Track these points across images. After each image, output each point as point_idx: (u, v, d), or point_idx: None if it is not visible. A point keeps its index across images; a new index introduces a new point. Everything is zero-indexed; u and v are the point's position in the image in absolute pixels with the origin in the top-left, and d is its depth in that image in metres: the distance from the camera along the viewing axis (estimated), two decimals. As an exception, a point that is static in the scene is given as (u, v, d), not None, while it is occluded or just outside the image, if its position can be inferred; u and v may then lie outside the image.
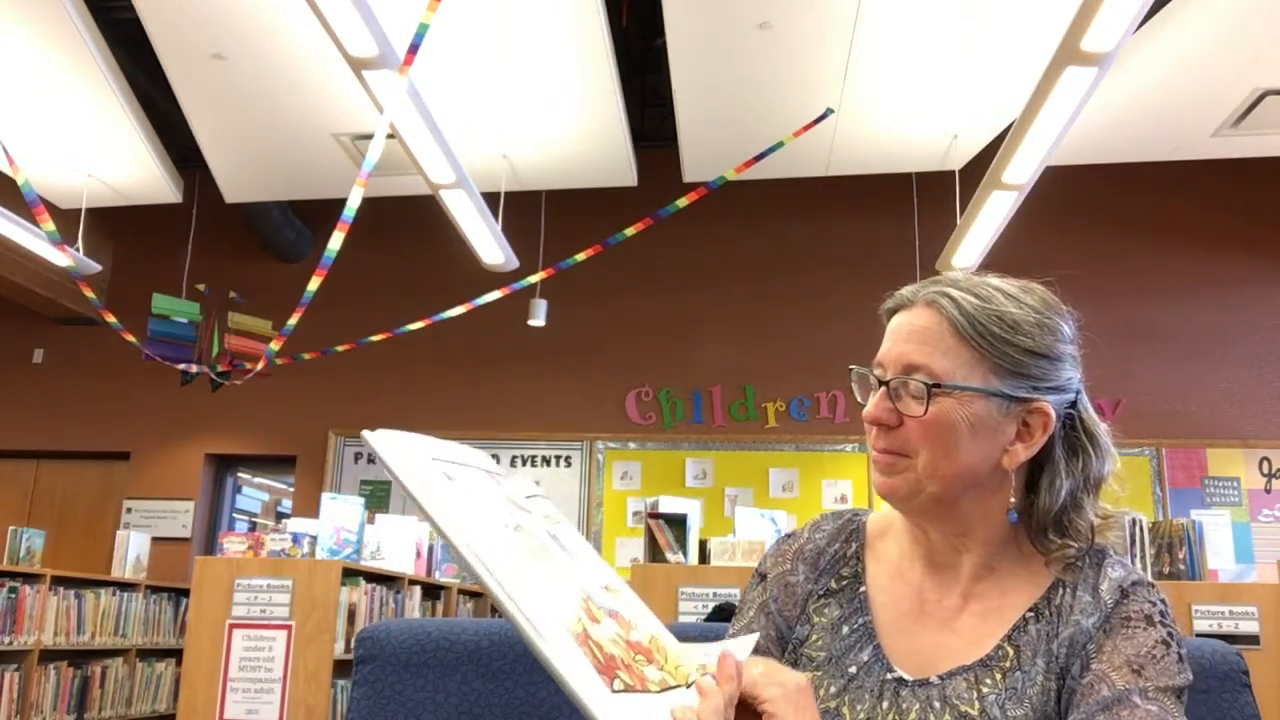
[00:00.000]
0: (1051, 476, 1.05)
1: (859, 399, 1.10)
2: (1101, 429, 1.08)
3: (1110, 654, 0.98)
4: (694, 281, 7.44)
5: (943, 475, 1.03)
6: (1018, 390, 1.03)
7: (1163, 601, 1.02)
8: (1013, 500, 1.06)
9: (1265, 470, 6.85)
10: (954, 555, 1.09)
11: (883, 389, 1.05)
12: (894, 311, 1.09)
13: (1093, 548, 1.06)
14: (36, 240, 5.72)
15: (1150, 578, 1.05)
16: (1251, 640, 3.23)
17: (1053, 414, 1.03)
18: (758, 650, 1.10)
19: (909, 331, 1.06)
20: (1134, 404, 6.76)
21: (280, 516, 7.85)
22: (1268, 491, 6.82)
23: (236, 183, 6.36)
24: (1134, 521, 3.49)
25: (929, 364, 1.03)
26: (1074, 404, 1.07)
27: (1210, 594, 3.29)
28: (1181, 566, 3.42)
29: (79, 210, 6.38)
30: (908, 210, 6.82)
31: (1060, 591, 1.04)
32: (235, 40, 4.93)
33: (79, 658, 5.73)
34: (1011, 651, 1.02)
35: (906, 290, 1.09)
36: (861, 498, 7.00)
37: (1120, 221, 7.16)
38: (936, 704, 1.01)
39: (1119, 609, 1.01)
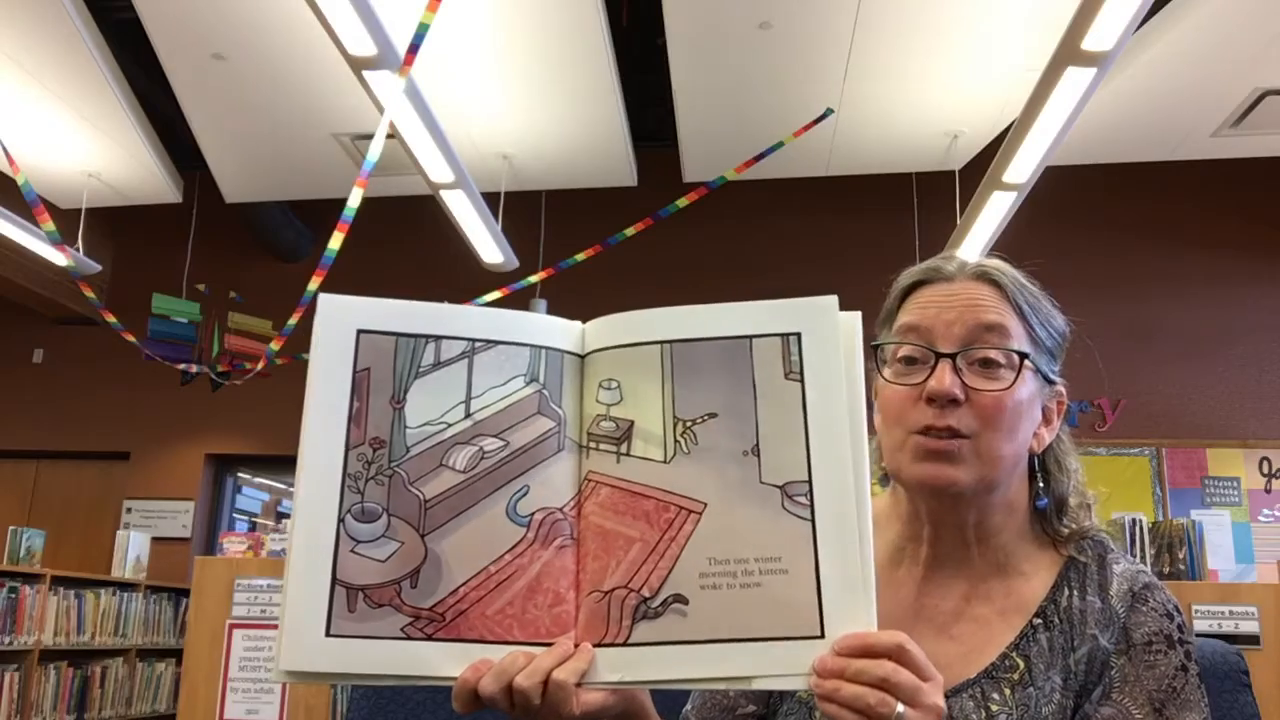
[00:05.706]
0: (1060, 456, 1.01)
1: (886, 376, 0.98)
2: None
3: (1133, 686, 0.92)
4: (694, 281, 7.41)
5: (1001, 458, 0.94)
6: (1053, 371, 0.99)
7: (1176, 609, 0.96)
8: (1041, 486, 1.00)
9: (1265, 470, 6.84)
10: (962, 549, 0.99)
11: (948, 361, 0.93)
12: (915, 286, 1.01)
13: (1093, 540, 1.00)
14: (36, 240, 5.72)
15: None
16: (1251, 640, 3.22)
17: (1065, 395, 1.01)
18: None
19: (968, 298, 0.96)
20: (1134, 404, 6.76)
21: (280, 516, 7.85)
22: (1268, 491, 6.81)
23: (236, 183, 6.35)
24: (1134, 521, 3.49)
25: (1005, 324, 0.94)
26: None
27: (1210, 594, 3.29)
28: (1181, 566, 3.42)
29: (79, 210, 6.38)
30: (908, 210, 6.82)
31: (1066, 592, 0.97)
32: (235, 40, 4.93)
33: (79, 658, 5.73)
34: (1021, 663, 0.94)
35: (951, 266, 0.99)
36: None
37: (1120, 221, 7.15)
38: None
39: (1135, 625, 0.94)
